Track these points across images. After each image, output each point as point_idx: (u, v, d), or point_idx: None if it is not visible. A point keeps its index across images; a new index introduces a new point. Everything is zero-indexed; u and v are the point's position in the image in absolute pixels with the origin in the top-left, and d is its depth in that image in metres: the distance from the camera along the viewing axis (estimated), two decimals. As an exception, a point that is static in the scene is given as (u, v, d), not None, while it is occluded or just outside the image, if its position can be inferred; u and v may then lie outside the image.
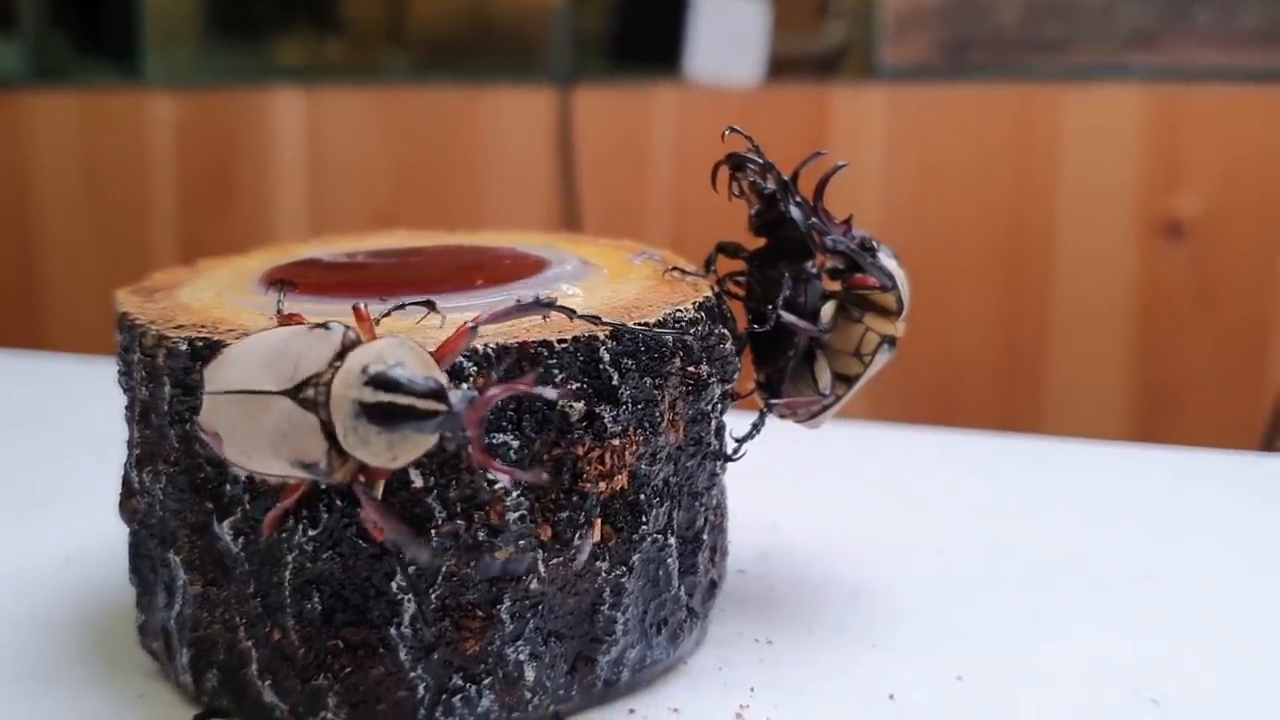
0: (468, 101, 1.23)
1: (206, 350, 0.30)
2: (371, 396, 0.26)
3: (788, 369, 0.36)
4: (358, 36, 1.38)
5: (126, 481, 0.34)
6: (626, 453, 0.31)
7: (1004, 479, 0.52)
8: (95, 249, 1.36)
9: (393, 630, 0.30)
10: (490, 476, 0.29)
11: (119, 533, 0.36)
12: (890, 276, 0.35)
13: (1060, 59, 1.06)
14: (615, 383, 0.31)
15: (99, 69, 1.42)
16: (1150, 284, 1.03)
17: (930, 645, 0.36)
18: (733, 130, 0.34)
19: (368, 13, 1.39)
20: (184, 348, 0.31)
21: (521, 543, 0.30)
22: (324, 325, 0.27)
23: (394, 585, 0.30)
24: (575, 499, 0.31)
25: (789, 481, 0.50)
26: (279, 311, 0.31)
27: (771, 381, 0.36)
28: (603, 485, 0.31)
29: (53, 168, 1.37)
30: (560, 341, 0.30)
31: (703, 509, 0.35)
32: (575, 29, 1.24)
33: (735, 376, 0.35)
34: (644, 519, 0.32)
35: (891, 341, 0.36)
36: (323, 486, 0.29)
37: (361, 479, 0.27)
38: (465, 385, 0.27)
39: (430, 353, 0.27)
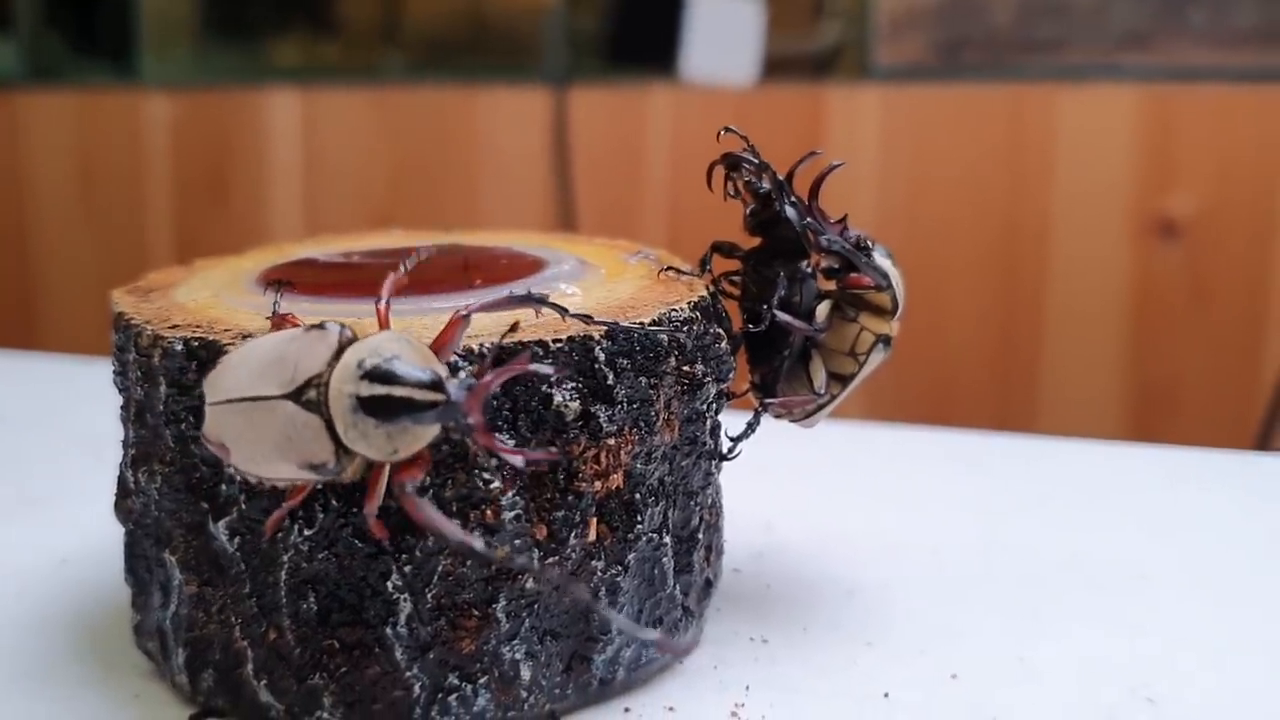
0: (463, 102, 1.23)
1: (202, 350, 0.30)
2: (368, 390, 0.26)
3: (783, 368, 0.36)
4: (353, 37, 1.38)
5: (122, 481, 0.34)
6: (622, 452, 0.31)
7: (999, 478, 0.53)
8: (91, 249, 1.36)
9: (388, 630, 0.30)
10: (499, 462, 0.29)
11: (114, 533, 0.36)
12: (885, 276, 0.35)
13: (1054, 59, 1.06)
14: (610, 382, 0.31)
15: (95, 69, 1.42)
16: (1144, 283, 1.03)
17: (925, 644, 0.36)
18: (728, 130, 0.35)
19: (363, 13, 1.39)
20: (179, 348, 0.31)
21: (518, 542, 0.30)
22: (320, 325, 0.27)
23: (389, 585, 0.30)
24: (570, 498, 0.31)
25: (784, 480, 0.50)
26: (275, 312, 0.31)
27: (766, 381, 0.36)
28: (598, 484, 0.31)
29: (48, 168, 1.37)
30: (555, 341, 0.30)
31: (698, 508, 0.35)
32: (570, 29, 1.24)
33: (730, 376, 0.35)
34: (639, 518, 0.32)
35: (886, 341, 0.36)
36: (320, 486, 0.29)
37: (402, 479, 0.27)
38: (462, 373, 0.27)
39: (428, 346, 0.27)
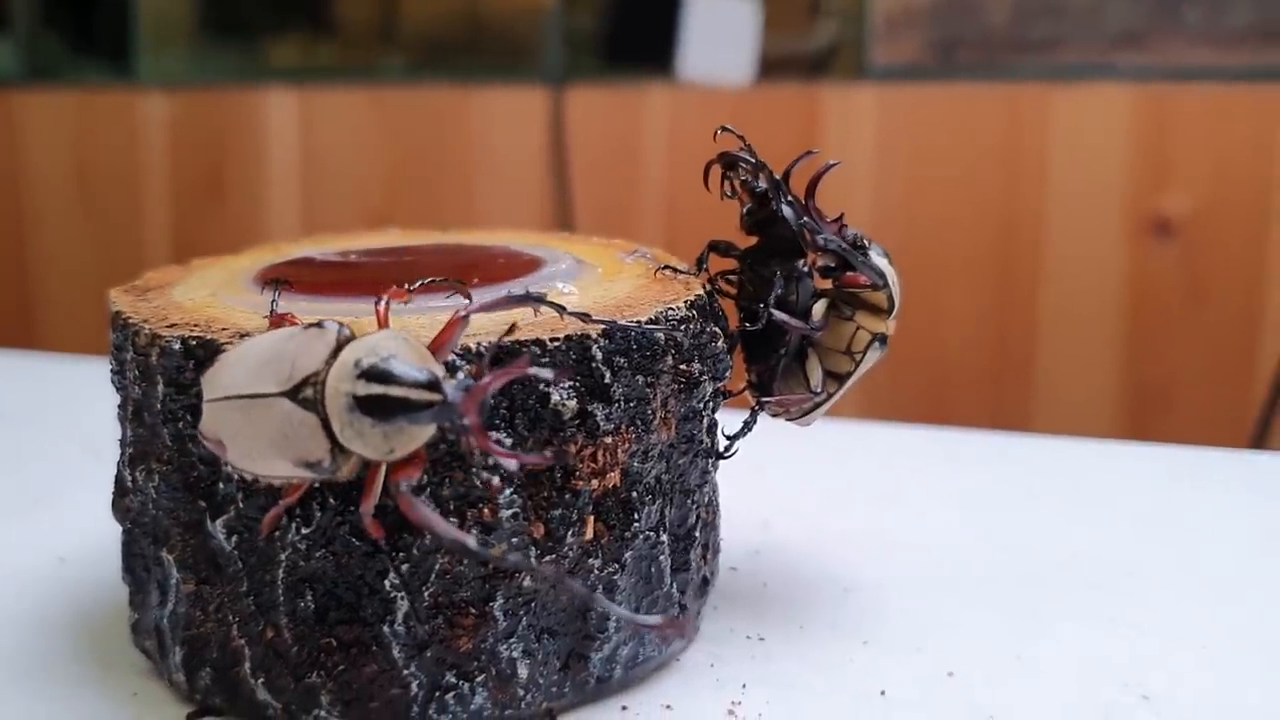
0: (460, 101, 1.23)
1: (200, 349, 0.30)
2: (364, 389, 0.26)
3: (779, 367, 0.36)
4: (351, 37, 1.38)
5: (119, 480, 0.34)
6: (619, 450, 0.31)
7: (995, 476, 0.53)
8: (89, 248, 1.36)
9: (386, 628, 0.30)
10: (494, 463, 0.29)
11: (112, 531, 0.36)
12: (881, 275, 0.35)
13: (1049, 59, 1.06)
14: (607, 381, 0.31)
15: (92, 68, 1.42)
16: (1139, 282, 1.03)
17: (921, 641, 0.37)
18: (724, 130, 0.35)
19: (361, 13, 1.39)
20: (177, 347, 0.31)
21: (515, 540, 0.30)
22: (318, 324, 0.28)
23: (387, 583, 0.30)
24: (568, 496, 0.31)
25: (781, 479, 0.51)
26: (273, 311, 0.31)
27: (763, 379, 0.36)
28: (595, 483, 0.31)
29: (46, 167, 1.37)
30: (553, 340, 0.30)
31: (695, 506, 0.35)
32: (567, 29, 1.24)
33: (727, 374, 0.35)
34: (636, 516, 0.32)
35: (882, 339, 0.36)
36: (317, 485, 0.29)
37: (398, 479, 0.27)
38: (460, 374, 0.27)
39: (426, 346, 0.27)
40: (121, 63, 1.38)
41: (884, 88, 1.10)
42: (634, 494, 0.32)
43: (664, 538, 0.34)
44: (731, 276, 0.36)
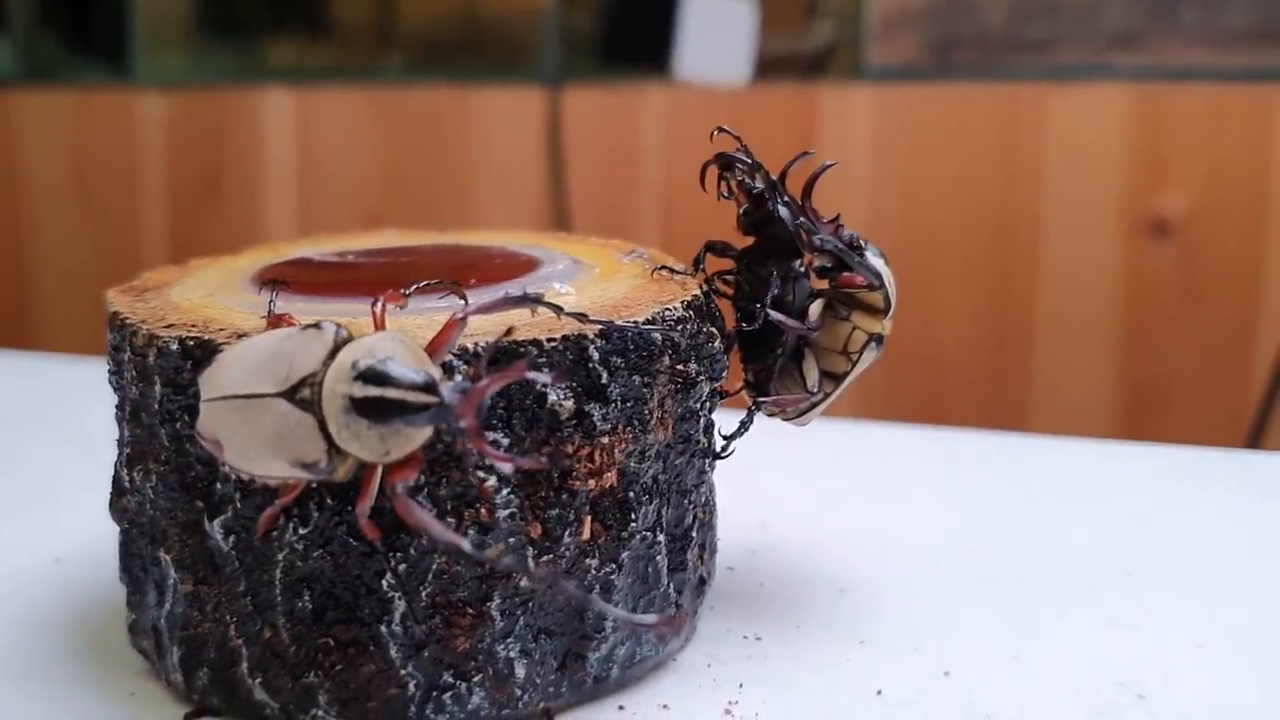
0: (457, 101, 1.22)
1: (198, 350, 0.30)
2: (361, 391, 0.26)
3: (776, 367, 0.36)
4: (348, 37, 1.38)
5: (117, 480, 0.34)
6: (616, 450, 0.31)
7: (991, 476, 0.53)
8: (86, 248, 1.36)
9: (383, 628, 0.30)
10: (491, 465, 0.29)
11: (109, 531, 0.36)
12: (878, 275, 0.35)
13: (1046, 59, 1.06)
14: (604, 381, 0.31)
15: (89, 68, 1.42)
16: (1136, 282, 1.04)
17: (918, 641, 0.37)
18: (721, 130, 0.35)
19: (358, 13, 1.39)
20: (175, 347, 0.31)
21: (511, 540, 0.30)
22: (316, 325, 0.28)
23: (384, 583, 0.30)
24: (565, 496, 0.31)
25: (777, 479, 0.51)
26: (271, 311, 0.31)
27: (760, 379, 0.36)
28: (592, 483, 0.31)
29: (43, 167, 1.37)
30: (549, 340, 0.30)
31: (692, 506, 0.35)
32: (564, 29, 1.24)
33: (724, 374, 0.35)
34: (633, 516, 0.32)
35: (879, 339, 0.36)
36: (314, 485, 0.29)
37: (394, 480, 0.27)
38: (459, 376, 0.27)
39: (424, 347, 0.27)
40: (119, 63, 1.38)
41: (880, 88, 1.10)
42: (631, 494, 0.32)
43: (661, 538, 0.34)
44: (728, 277, 0.36)
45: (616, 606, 0.32)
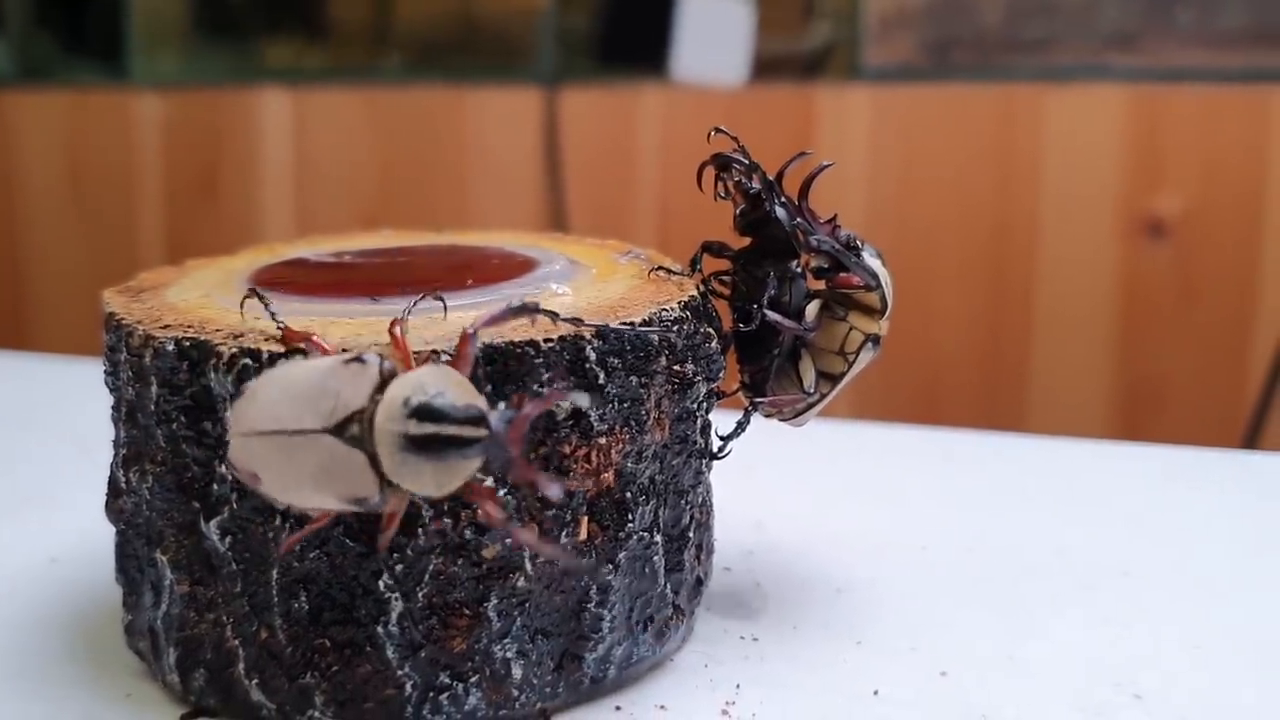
0: (454, 102, 1.22)
1: (194, 350, 0.30)
2: (417, 429, 0.26)
3: (772, 367, 0.36)
4: (344, 37, 1.38)
5: (113, 481, 0.34)
6: (613, 451, 0.32)
7: (987, 476, 0.53)
8: (82, 249, 1.36)
9: (380, 629, 0.30)
10: (539, 491, 0.29)
11: (105, 532, 0.36)
12: (874, 275, 0.35)
13: (1042, 59, 1.06)
14: (601, 381, 0.31)
15: (85, 69, 1.41)
16: (1132, 283, 1.04)
17: (914, 641, 0.37)
18: (718, 130, 0.35)
19: (354, 14, 1.38)
20: (171, 348, 0.31)
21: (508, 540, 0.30)
22: (359, 359, 0.27)
23: (381, 584, 0.30)
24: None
25: (774, 479, 0.51)
26: (272, 316, 0.31)
27: (756, 380, 0.36)
28: (589, 483, 0.31)
29: (39, 167, 1.36)
30: (546, 341, 0.30)
31: (689, 507, 0.35)
32: (561, 30, 1.24)
33: (720, 375, 0.35)
34: (630, 517, 0.32)
35: (875, 340, 0.36)
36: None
37: (484, 508, 0.27)
38: (502, 405, 0.27)
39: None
40: (115, 63, 1.38)
41: (877, 88, 1.10)
42: (628, 494, 0.32)
43: (658, 538, 0.34)
44: (725, 277, 0.36)
45: (613, 608, 0.32)
